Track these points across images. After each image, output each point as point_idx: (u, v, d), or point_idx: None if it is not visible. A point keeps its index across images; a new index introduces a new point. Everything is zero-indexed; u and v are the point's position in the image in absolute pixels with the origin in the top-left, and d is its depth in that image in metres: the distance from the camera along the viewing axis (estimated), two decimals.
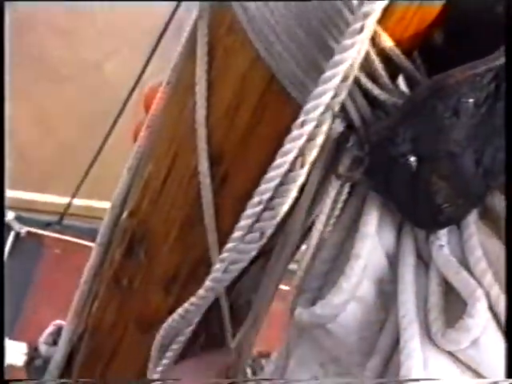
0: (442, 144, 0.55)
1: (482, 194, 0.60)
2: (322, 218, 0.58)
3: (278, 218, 0.53)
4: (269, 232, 0.54)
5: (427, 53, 0.61)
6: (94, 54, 4.24)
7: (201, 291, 0.58)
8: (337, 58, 0.48)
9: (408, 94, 0.56)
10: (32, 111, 3.68)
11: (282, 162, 0.51)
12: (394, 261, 0.60)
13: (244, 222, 0.54)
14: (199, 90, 0.57)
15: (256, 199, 0.53)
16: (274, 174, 0.52)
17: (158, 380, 0.68)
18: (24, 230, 2.46)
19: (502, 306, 0.54)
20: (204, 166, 0.59)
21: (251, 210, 0.54)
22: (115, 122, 2.07)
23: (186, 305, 0.61)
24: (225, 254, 0.56)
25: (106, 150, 2.62)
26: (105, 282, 0.76)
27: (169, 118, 0.64)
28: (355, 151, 0.55)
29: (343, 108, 0.54)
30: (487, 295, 0.54)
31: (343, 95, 0.51)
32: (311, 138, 0.51)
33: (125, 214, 0.72)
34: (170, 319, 0.63)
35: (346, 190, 0.58)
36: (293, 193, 0.53)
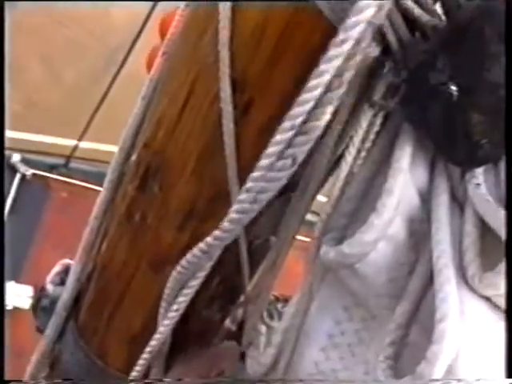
0: (485, 73, 0.51)
1: None
2: (352, 150, 0.54)
3: (312, 143, 0.49)
4: (301, 158, 0.50)
5: None
6: None
7: (226, 223, 0.54)
8: None
9: (452, 15, 0.51)
10: (40, 52, 3.61)
11: (318, 83, 0.47)
12: (427, 199, 0.57)
13: (274, 149, 0.50)
14: (223, 8, 0.52)
15: (288, 124, 0.49)
16: (309, 95, 0.47)
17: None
18: (30, 172, 2.43)
19: None
20: (226, 92, 0.54)
21: (282, 135, 0.49)
22: (122, 65, 2.02)
23: (208, 239, 0.57)
24: (251, 184, 0.52)
25: (114, 94, 2.57)
26: (116, 218, 0.73)
27: (188, 41, 0.60)
28: (391, 77, 0.51)
29: (379, 30, 0.50)
30: None
31: (385, 12, 0.46)
32: (350, 57, 0.46)
33: (138, 147, 0.68)
34: (189, 254, 0.60)
35: (380, 120, 0.54)
36: (328, 115, 0.48)
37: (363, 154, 0.55)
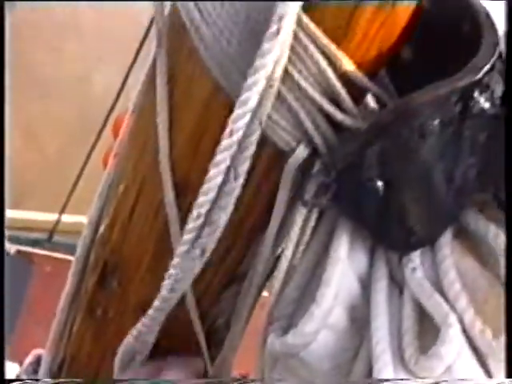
0: (410, 166, 0.54)
1: (455, 214, 0.59)
2: (290, 246, 0.57)
3: (218, 233, 0.53)
4: (210, 248, 0.53)
5: (396, 69, 0.60)
6: (80, 68, 4.23)
7: (150, 311, 0.58)
8: (257, 63, 0.47)
9: (372, 117, 0.55)
10: (21, 128, 3.67)
11: (216, 173, 0.51)
12: (367, 285, 0.59)
13: (186, 237, 0.53)
14: (161, 119, 0.56)
15: (195, 212, 0.53)
16: (209, 185, 0.51)
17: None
18: (14, 248, 2.45)
19: (476, 330, 0.53)
20: (170, 197, 0.58)
21: (192, 224, 0.53)
22: (99, 135, 2.06)
23: (138, 325, 0.60)
24: (171, 271, 0.55)
25: (94, 165, 2.61)
26: (80, 312, 0.75)
27: (134, 147, 0.64)
28: (321, 177, 0.54)
29: (307, 133, 0.54)
30: (461, 320, 0.53)
31: (270, 102, 0.50)
32: (241, 150, 0.50)
33: (96, 244, 0.71)
34: (124, 341, 0.63)
35: (315, 215, 0.57)
36: (230, 206, 0.52)
37: (302, 247, 0.58)
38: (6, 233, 2.46)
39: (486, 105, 0.55)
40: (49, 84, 4.07)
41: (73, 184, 2.34)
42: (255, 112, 0.50)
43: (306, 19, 0.49)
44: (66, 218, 2.51)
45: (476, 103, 0.54)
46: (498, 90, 0.56)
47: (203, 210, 0.52)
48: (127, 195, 0.64)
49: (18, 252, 2.46)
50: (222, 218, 0.53)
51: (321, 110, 0.52)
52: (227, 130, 0.50)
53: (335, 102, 0.53)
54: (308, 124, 0.53)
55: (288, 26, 0.47)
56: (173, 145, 0.57)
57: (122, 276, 0.67)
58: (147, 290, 0.66)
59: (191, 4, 0.52)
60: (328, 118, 0.53)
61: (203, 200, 0.52)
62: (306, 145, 0.54)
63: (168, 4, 0.56)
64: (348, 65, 0.52)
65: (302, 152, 0.54)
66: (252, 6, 0.50)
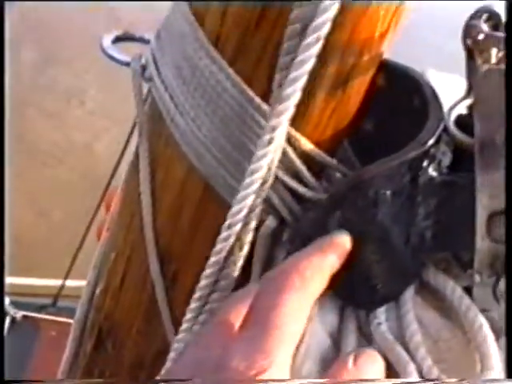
0: (367, 231, 0.61)
1: (415, 271, 0.65)
2: None
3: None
4: None
5: (358, 141, 0.67)
6: (83, 135, 4.34)
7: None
8: (252, 167, 0.54)
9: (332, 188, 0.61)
10: (25, 194, 3.75)
11: (215, 260, 0.57)
12: (337, 339, 0.65)
13: (194, 304, 0.59)
14: (144, 198, 0.63)
15: (197, 294, 0.59)
16: (210, 271, 0.58)
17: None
18: (19, 314, 2.50)
19: (433, 377, 0.58)
20: (155, 266, 0.64)
21: (200, 292, 0.59)
22: (101, 201, 2.12)
23: None
24: (175, 345, 0.61)
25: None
26: (79, 374, 0.81)
27: (122, 221, 0.70)
28: (288, 245, 0.61)
29: (274, 206, 0.60)
30: (419, 369, 0.59)
31: (263, 196, 0.56)
32: (238, 238, 0.57)
33: (92, 311, 0.77)
34: None
35: None
36: (235, 273, 0.58)
37: None
38: (12, 299, 2.51)
39: (434, 173, 0.61)
40: (52, 150, 4.17)
41: (76, 249, 2.40)
42: (252, 205, 0.57)
43: None
44: (70, 283, 2.56)
45: (424, 173, 0.61)
46: (446, 159, 0.63)
47: (210, 281, 0.58)
48: (118, 265, 0.71)
49: (24, 317, 2.51)
50: (229, 285, 0.59)
51: (285, 185, 0.59)
52: (226, 224, 0.56)
53: (298, 177, 0.59)
54: (274, 198, 0.59)
55: (280, 136, 0.54)
56: (155, 219, 0.64)
57: (115, 340, 0.73)
58: (140, 350, 0.72)
59: (166, 96, 0.59)
60: (292, 191, 0.60)
61: (210, 272, 0.58)
62: (274, 216, 0.60)
63: (147, 95, 0.64)
64: (306, 144, 0.58)
65: (271, 223, 0.60)
66: (220, 98, 0.56)
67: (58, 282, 2.59)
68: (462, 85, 0.64)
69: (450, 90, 0.67)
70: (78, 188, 3.84)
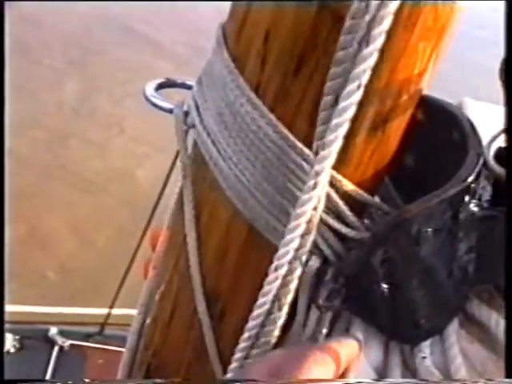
0: (410, 268, 0.61)
1: (459, 305, 0.65)
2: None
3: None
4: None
5: (400, 175, 0.68)
6: (125, 162, 4.40)
7: None
8: (297, 211, 0.55)
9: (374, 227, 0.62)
10: (70, 223, 3.81)
11: (263, 301, 0.58)
12: (382, 374, 0.66)
13: (237, 356, 0.60)
14: (190, 240, 0.65)
15: (246, 334, 0.60)
16: (258, 312, 0.59)
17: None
18: (67, 343, 2.53)
19: None
20: (202, 306, 0.66)
21: (242, 344, 0.60)
22: (145, 231, 2.15)
23: None
24: (229, 375, 0.62)
25: (142, 255, 2.70)
26: None
27: (169, 261, 0.72)
28: (331, 284, 0.62)
29: (317, 246, 0.61)
30: None
31: (310, 242, 0.58)
32: (285, 284, 0.58)
33: (141, 348, 0.78)
34: None
35: (329, 317, 0.64)
36: (276, 332, 0.59)
37: None
38: (59, 328, 2.55)
39: (475, 209, 0.62)
40: (95, 178, 4.24)
41: (122, 278, 2.43)
42: (297, 253, 0.58)
43: None
44: (116, 311, 2.59)
45: (466, 208, 0.61)
46: (486, 193, 0.63)
47: (253, 333, 0.60)
48: (165, 303, 0.72)
49: (72, 346, 2.54)
50: (270, 344, 0.61)
51: (327, 225, 0.60)
52: (272, 266, 0.58)
53: (340, 217, 0.60)
54: (317, 238, 0.60)
55: (324, 181, 0.55)
56: (202, 261, 0.65)
57: (163, 376, 0.74)
58: None
59: (209, 141, 0.61)
60: (335, 231, 0.61)
61: (253, 324, 0.60)
62: (317, 256, 0.61)
63: (191, 139, 0.65)
64: (348, 185, 0.59)
65: (314, 262, 0.61)
66: (262, 144, 0.58)
67: (103, 311, 2.62)
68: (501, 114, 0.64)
69: (490, 119, 0.67)
70: (121, 215, 3.89)
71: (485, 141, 0.66)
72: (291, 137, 0.57)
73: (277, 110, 0.57)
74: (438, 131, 0.66)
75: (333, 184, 0.58)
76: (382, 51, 0.52)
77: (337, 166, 0.58)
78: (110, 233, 3.79)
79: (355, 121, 0.56)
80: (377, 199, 0.66)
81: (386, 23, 0.50)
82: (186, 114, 0.64)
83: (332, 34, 0.53)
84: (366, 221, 0.64)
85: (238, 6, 0.59)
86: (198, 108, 0.62)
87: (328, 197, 0.58)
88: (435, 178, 0.62)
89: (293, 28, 0.54)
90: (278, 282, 0.57)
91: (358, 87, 0.52)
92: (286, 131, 0.56)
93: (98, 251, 3.70)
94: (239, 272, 0.64)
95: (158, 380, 0.72)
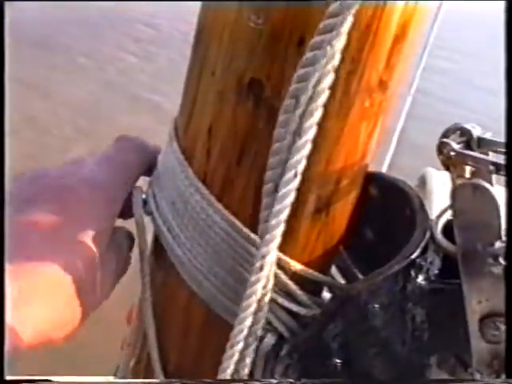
0: (364, 340, 0.64)
1: (419, 372, 0.68)
2: None
3: None
4: None
5: (360, 248, 0.71)
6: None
7: None
8: (247, 292, 0.58)
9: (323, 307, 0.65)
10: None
11: (223, 376, 0.61)
12: None
13: None
14: (149, 329, 0.68)
15: None
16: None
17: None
18: None
19: None
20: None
21: None
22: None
23: None
24: None
25: None
26: None
27: (137, 340, 0.75)
28: (287, 360, 0.64)
29: (271, 324, 0.64)
30: None
31: (263, 319, 0.61)
32: (242, 359, 0.61)
33: None
34: None
35: None
36: None
37: None
38: None
39: (423, 282, 0.64)
40: None
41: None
42: (252, 330, 0.61)
43: None
44: None
45: (412, 282, 0.64)
46: (434, 267, 0.66)
47: None
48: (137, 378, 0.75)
49: None
50: None
51: (279, 304, 0.63)
52: (229, 343, 0.60)
53: (291, 296, 0.63)
54: (271, 317, 0.63)
55: (270, 262, 0.58)
56: (162, 345, 0.69)
57: None
58: None
59: (165, 228, 0.65)
60: (287, 310, 0.64)
61: None
62: (273, 333, 0.64)
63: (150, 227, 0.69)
64: (296, 266, 0.63)
65: (270, 339, 0.64)
66: (211, 230, 0.61)
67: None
68: None
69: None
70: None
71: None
72: (238, 223, 0.60)
73: (223, 199, 0.61)
74: (392, 207, 0.69)
75: (281, 266, 0.61)
76: (316, 142, 0.56)
77: (284, 249, 0.61)
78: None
79: (297, 206, 0.59)
80: (335, 271, 0.70)
81: (316, 116, 0.54)
82: (145, 201, 0.67)
83: (268, 126, 0.57)
84: (328, 293, 0.67)
85: (185, 101, 0.64)
86: (154, 196, 0.66)
87: (277, 277, 0.61)
88: (391, 252, 0.65)
89: (232, 123, 0.58)
90: (235, 358, 0.59)
91: (295, 175, 0.55)
92: (232, 218, 0.60)
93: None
94: (200, 353, 0.67)
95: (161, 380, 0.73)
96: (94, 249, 0.59)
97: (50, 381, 0.54)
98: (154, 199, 0.66)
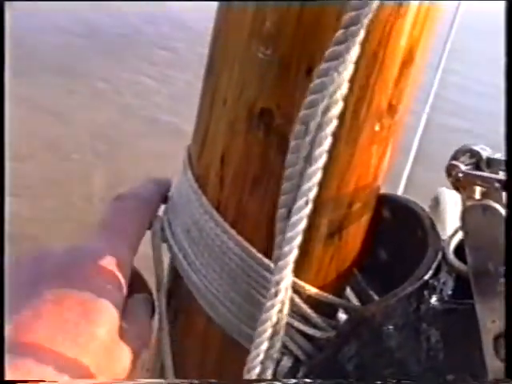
0: (377, 363, 0.65)
1: None
2: None
3: None
4: None
5: (374, 269, 0.72)
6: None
7: None
8: (263, 317, 0.59)
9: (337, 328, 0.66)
10: None
11: None
12: None
13: None
14: (165, 356, 0.69)
15: None
16: None
17: None
18: None
19: None
20: None
21: None
22: None
23: None
24: None
25: None
26: None
27: (156, 367, 0.76)
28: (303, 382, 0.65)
29: (287, 347, 0.65)
30: None
31: (279, 342, 0.62)
32: (261, 374, 0.62)
33: None
34: None
35: None
36: None
37: None
38: None
39: (436, 303, 0.65)
40: None
41: None
42: (268, 353, 0.61)
43: None
44: None
45: (426, 303, 0.65)
46: (447, 288, 0.67)
47: None
48: None
49: None
50: None
51: (295, 328, 0.64)
52: (246, 367, 0.60)
53: (306, 319, 0.64)
54: (287, 340, 0.64)
55: (285, 287, 0.59)
56: (180, 367, 0.70)
57: None
58: None
59: (180, 255, 0.66)
60: (303, 333, 0.65)
61: None
62: (289, 356, 0.65)
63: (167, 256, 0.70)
64: (311, 290, 0.64)
65: (286, 362, 0.65)
66: (226, 257, 0.63)
67: None
68: None
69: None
70: None
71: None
72: (252, 249, 0.61)
73: (237, 226, 0.62)
74: (404, 229, 0.70)
75: (295, 289, 0.63)
76: (326, 167, 0.57)
77: (298, 273, 0.62)
78: None
79: (310, 230, 0.60)
80: (350, 293, 0.71)
81: (326, 144, 0.55)
82: (162, 229, 0.69)
83: (279, 154, 0.58)
84: (343, 314, 0.68)
85: (198, 130, 0.65)
86: (170, 223, 0.68)
87: (292, 301, 0.63)
88: (404, 273, 0.65)
89: (244, 152, 0.60)
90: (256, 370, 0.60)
91: (306, 203, 0.56)
92: (246, 244, 0.61)
93: None
94: (218, 378, 0.68)
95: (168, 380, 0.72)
96: (105, 336, 0.55)
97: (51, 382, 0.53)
98: (170, 227, 0.68)
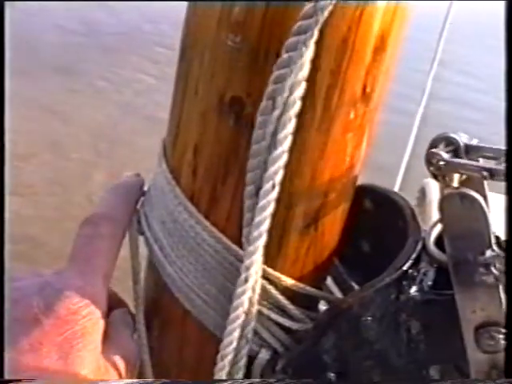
0: (359, 353, 0.64)
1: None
2: None
3: None
4: None
5: (356, 260, 0.71)
6: None
7: None
8: (234, 304, 0.59)
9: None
10: None
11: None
12: None
13: None
14: (141, 339, 0.68)
15: None
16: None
17: None
18: None
19: None
20: None
21: None
22: None
23: None
24: None
25: None
26: None
27: None
28: (281, 374, 0.65)
29: (265, 340, 0.64)
30: None
31: (250, 329, 0.61)
32: (232, 374, 0.61)
33: None
34: None
35: None
36: None
37: None
38: None
39: (416, 293, 0.64)
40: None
41: None
42: (239, 340, 0.61)
43: None
44: None
45: (406, 294, 0.64)
46: (427, 278, 0.66)
47: None
48: None
49: None
50: None
51: (272, 320, 0.63)
52: (219, 355, 0.60)
53: (283, 311, 0.64)
54: (264, 333, 0.64)
55: (255, 274, 0.59)
56: (160, 359, 0.69)
57: None
58: None
59: (156, 247, 0.65)
60: (280, 325, 0.64)
61: None
62: (267, 349, 0.65)
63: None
64: (287, 281, 0.63)
65: (264, 355, 0.65)
66: (200, 248, 0.62)
67: None
68: None
69: None
70: None
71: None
72: (226, 240, 0.60)
73: (211, 217, 0.61)
74: (386, 219, 0.69)
75: (271, 281, 0.62)
76: (298, 156, 0.56)
77: (274, 264, 0.61)
78: None
79: (285, 221, 0.60)
80: (331, 283, 0.70)
81: (290, 126, 0.54)
82: (139, 221, 0.68)
83: (250, 143, 0.57)
84: (312, 313, 0.67)
85: (171, 121, 0.64)
86: (146, 216, 0.67)
87: (268, 293, 0.62)
88: (386, 265, 0.65)
89: (215, 141, 0.59)
90: (226, 370, 0.60)
91: (273, 186, 0.55)
92: (220, 235, 0.60)
93: None
94: (197, 369, 0.68)
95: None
96: (90, 375, 0.55)
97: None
98: (146, 219, 0.67)
